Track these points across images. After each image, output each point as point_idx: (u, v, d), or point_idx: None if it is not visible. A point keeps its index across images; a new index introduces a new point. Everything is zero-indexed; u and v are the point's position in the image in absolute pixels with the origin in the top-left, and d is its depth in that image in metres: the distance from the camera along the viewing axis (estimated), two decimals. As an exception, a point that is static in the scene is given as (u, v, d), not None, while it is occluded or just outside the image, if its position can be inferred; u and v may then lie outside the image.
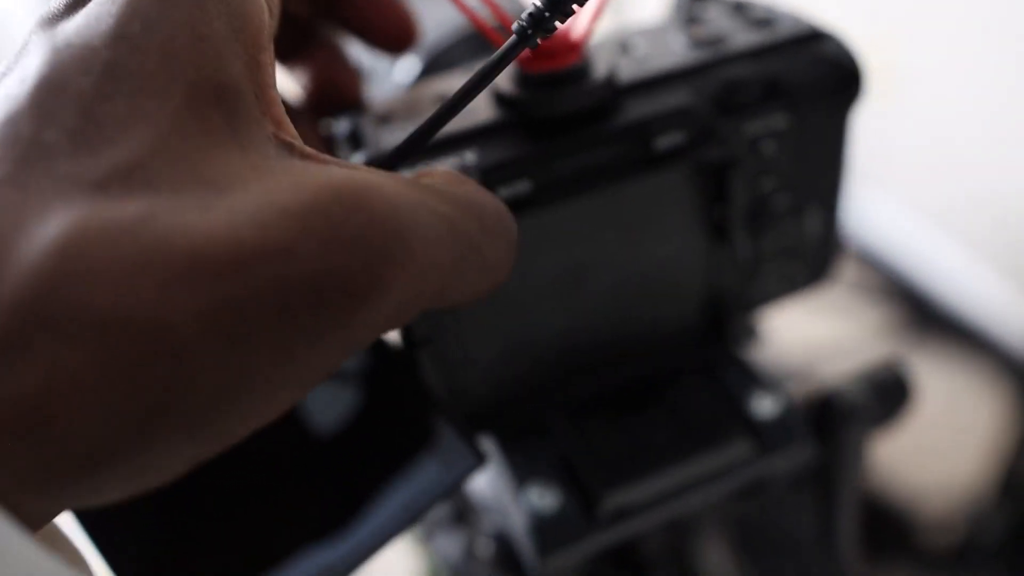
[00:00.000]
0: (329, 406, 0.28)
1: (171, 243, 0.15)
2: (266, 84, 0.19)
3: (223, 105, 0.18)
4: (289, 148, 0.19)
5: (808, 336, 1.81)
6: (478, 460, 0.27)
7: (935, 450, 1.61)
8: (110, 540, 0.25)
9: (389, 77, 0.38)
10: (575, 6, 0.21)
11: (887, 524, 1.47)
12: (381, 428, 0.28)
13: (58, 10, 0.19)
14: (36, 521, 0.16)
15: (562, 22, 0.22)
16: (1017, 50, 1.57)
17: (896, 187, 1.96)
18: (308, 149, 0.19)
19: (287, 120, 0.20)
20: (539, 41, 0.22)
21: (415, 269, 0.18)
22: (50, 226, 0.15)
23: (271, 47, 0.21)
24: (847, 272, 1.97)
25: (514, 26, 0.22)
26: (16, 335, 0.14)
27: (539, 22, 0.21)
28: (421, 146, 0.23)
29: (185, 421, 0.16)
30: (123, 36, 0.18)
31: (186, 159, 0.17)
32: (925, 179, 1.88)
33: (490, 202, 0.22)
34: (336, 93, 0.32)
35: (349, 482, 0.27)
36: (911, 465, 1.57)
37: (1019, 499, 1.35)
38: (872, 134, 1.92)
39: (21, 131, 0.16)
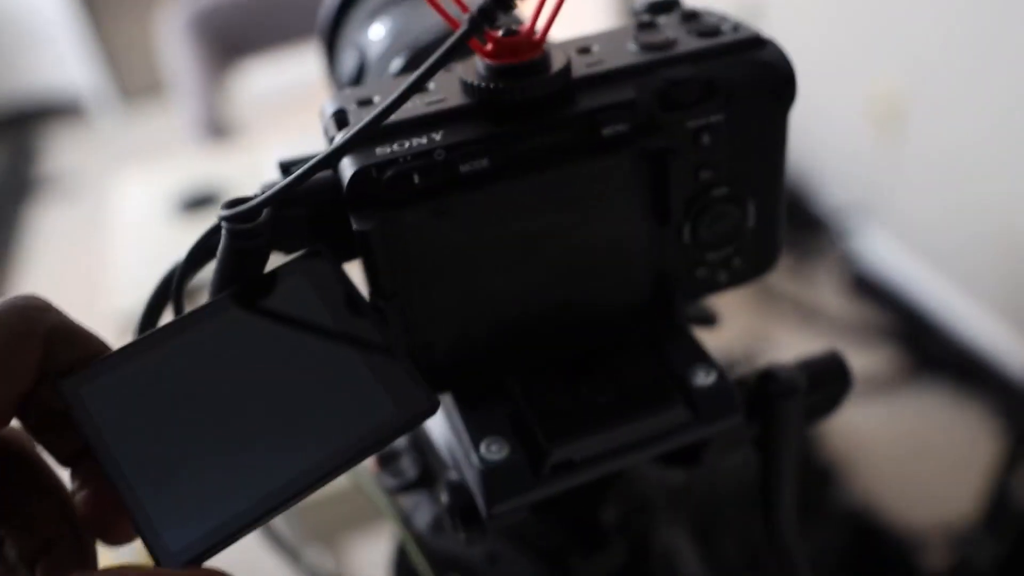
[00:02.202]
0: (305, 345, 0.31)
1: None
2: None
3: None
4: None
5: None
6: (432, 404, 0.30)
7: (931, 477, 1.63)
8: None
9: (385, 74, 0.42)
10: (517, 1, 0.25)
11: (882, 547, 1.49)
12: (347, 369, 0.31)
13: None
14: None
15: (505, 14, 0.25)
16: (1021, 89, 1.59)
17: (898, 225, 1.99)
18: None
19: None
20: (485, 32, 0.25)
21: None
22: None
23: None
24: (851, 308, 1.99)
25: (463, 18, 0.25)
26: None
27: (485, 14, 0.25)
28: (382, 120, 0.27)
29: None
30: None
31: None
32: (928, 218, 1.91)
33: None
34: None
35: (311, 412, 0.30)
36: (907, 491, 1.59)
37: (1009, 524, 1.37)
38: (875, 172, 1.95)
39: None
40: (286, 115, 3.15)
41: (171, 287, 0.34)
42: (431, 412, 0.30)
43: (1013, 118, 1.62)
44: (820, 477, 1.54)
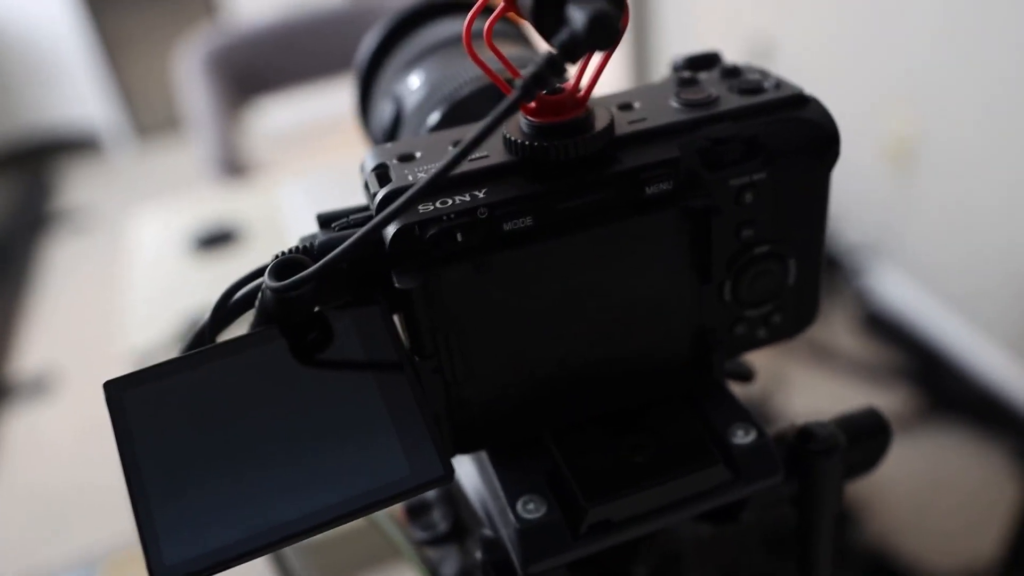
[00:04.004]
0: (339, 389, 0.31)
1: None
2: None
3: None
4: None
5: (836, 413, 1.83)
6: (446, 474, 0.30)
7: (949, 518, 1.61)
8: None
9: (423, 126, 0.42)
10: (569, 67, 0.25)
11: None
12: (373, 421, 0.31)
13: None
14: None
15: (557, 81, 0.25)
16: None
17: (913, 264, 1.99)
18: None
19: None
20: (537, 95, 0.25)
21: None
22: None
23: None
24: (866, 347, 1.98)
25: (515, 82, 0.25)
26: None
27: (537, 80, 0.25)
28: (437, 186, 0.27)
29: None
30: None
31: None
32: (943, 257, 1.90)
33: None
34: None
35: (329, 456, 0.30)
36: (925, 532, 1.57)
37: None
38: (890, 211, 1.95)
39: None
40: (302, 152, 3.18)
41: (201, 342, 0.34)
42: (444, 482, 0.30)
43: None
44: (837, 517, 1.52)
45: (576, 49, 0.24)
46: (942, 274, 1.92)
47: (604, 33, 0.24)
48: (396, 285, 0.31)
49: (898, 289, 2.05)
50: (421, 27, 0.49)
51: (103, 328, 1.59)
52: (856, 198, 2.10)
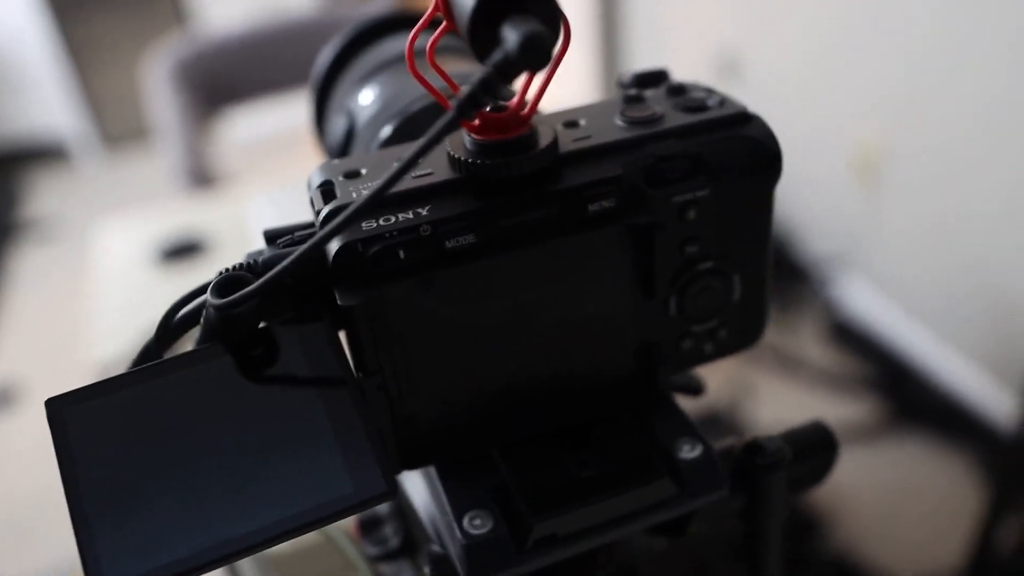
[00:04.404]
0: (282, 406, 0.31)
1: None
2: None
3: None
4: None
5: (803, 423, 1.84)
6: (388, 491, 0.30)
7: (914, 526, 1.62)
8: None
9: (374, 140, 0.42)
10: (505, 88, 0.25)
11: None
12: (316, 438, 0.31)
13: None
14: None
15: (495, 100, 0.25)
16: (1006, 136, 1.62)
17: (879, 275, 2.01)
18: None
19: None
20: (472, 114, 0.26)
21: None
22: None
23: None
24: (833, 357, 2.00)
25: (452, 102, 0.26)
26: None
27: (472, 101, 0.25)
28: (378, 203, 0.27)
29: None
30: None
31: None
32: (909, 268, 1.93)
33: None
34: None
35: (272, 473, 0.30)
36: (890, 540, 1.58)
37: (993, 575, 1.36)
38: (856, 222, 1.97)
39: None
40: (270, 162, 3.16)
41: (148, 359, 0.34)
42: (387, 498, 0.30)
43: (993, 169, 1.64)
44: (802, 526, 1.53)
45: (510, 69, 0.24)
46: (908, 285, 1.94)
47: (537, 54, 0.24)
48: (339, 302, 0.31)
49: (865, 300, 2.07)
50: (376, 42, 0.49)
51: (68, 339, 1.58)
52: (823, 210, 2.12)
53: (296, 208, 1.57)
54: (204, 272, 1.46)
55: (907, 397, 1.91)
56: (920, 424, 1.86)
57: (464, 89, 0.25)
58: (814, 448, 0.41)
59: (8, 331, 2.56)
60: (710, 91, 0.37)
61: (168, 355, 0.33)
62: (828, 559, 1.52)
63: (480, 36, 0.26)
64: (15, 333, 2.55)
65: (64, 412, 0.30)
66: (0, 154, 3.41)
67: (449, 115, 0.25)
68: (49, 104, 3.32)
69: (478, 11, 0.25)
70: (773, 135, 0.35)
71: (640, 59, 2.73)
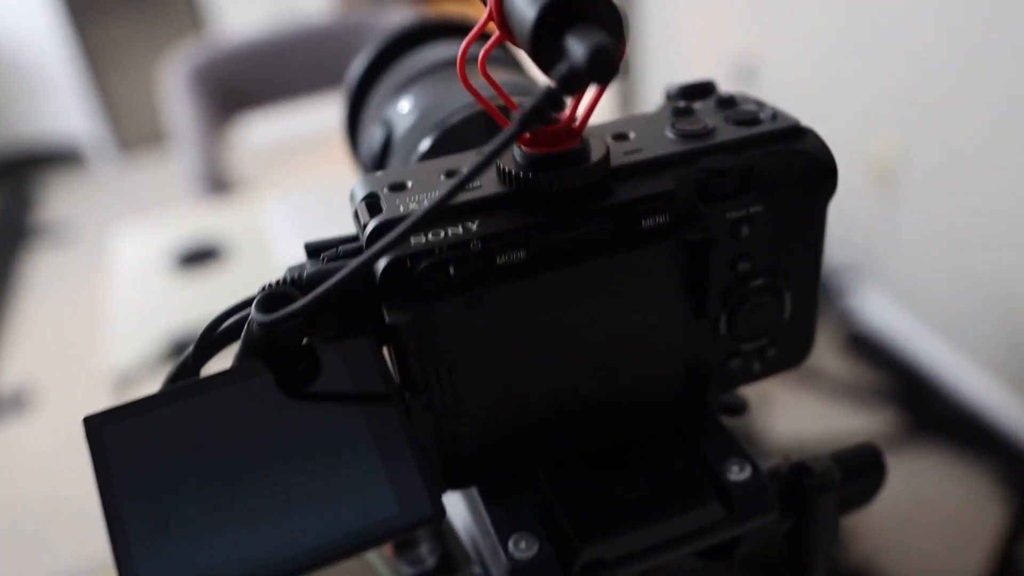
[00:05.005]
0: (326, 425, 0.30)
1: None
2: None
3: None
4: None
5: (820, 434, 1.82)
6: (436, 514, 0.29)
7: (933, 540, 1.61)
8: None
9: (413, 152, 0.41)
10: (568, 100, 0.24)
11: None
12: (362, 458, 0.30)
13: None
14: None
15: (557, 113, 0.25)
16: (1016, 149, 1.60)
17: (896, 285, 1.99)
18: None
19: None
20: (535, 127, 0.25)
21: None
22: None
23: None
24: (849, 368, 1.99)
25: (512, 115, 0.25)
26: None
27: (536, 114, 0.24)
28: (431, 219, 0.26)
29: None
30: None
31: None
32: (926, 279, 1.91)
33: None
34: None
35: (314, 495, 0.29)
36: (909, 554, 1.57)
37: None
38: (873, 232, 1.95)
39: None
40: (286, 168, 3.17)
41: (185, 374, 0.33)
42: (435, 522, 0.29)
43: (1009, 177, 1.63)
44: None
45: (576, 83, 0.24)
46: (925, 295, 1.93)
47: (604, 67, 0.23)
48: (388, 320, 0.30)
49: (882, 310, 2.05)
50: (412, 50, 0.48)
51: (83, 344, 1.57)
52: (840, 219, 2.10)
53: (313, 214, 1.56)
54: (221, 279, 1.46)
55: (925, 409, 1.90)
56: (938, 436, 1.84)
57: (527, 101, 0.24)
58: (862, 469, 0.40)
59: (23, 336, 2.56)
60: (761, 104, 0.36)
61: (207, 370, 0.32)
62: (846, 572, 1.51)
63: (543, 47, 0.25)
64: (30, 338, 2.55)
65: (103, 431, 0.29)
66: (16, 157, 3.42)
67: (512, 129, 0.24)
68: (65, 108, 3.33)
69: (541, 21, 0.24)
70: (828, 149, 0.34)
71: (656, 66, 2.72)
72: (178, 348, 1.34)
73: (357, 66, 0.49)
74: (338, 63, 2.27)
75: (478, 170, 0.25)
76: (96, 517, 0.29)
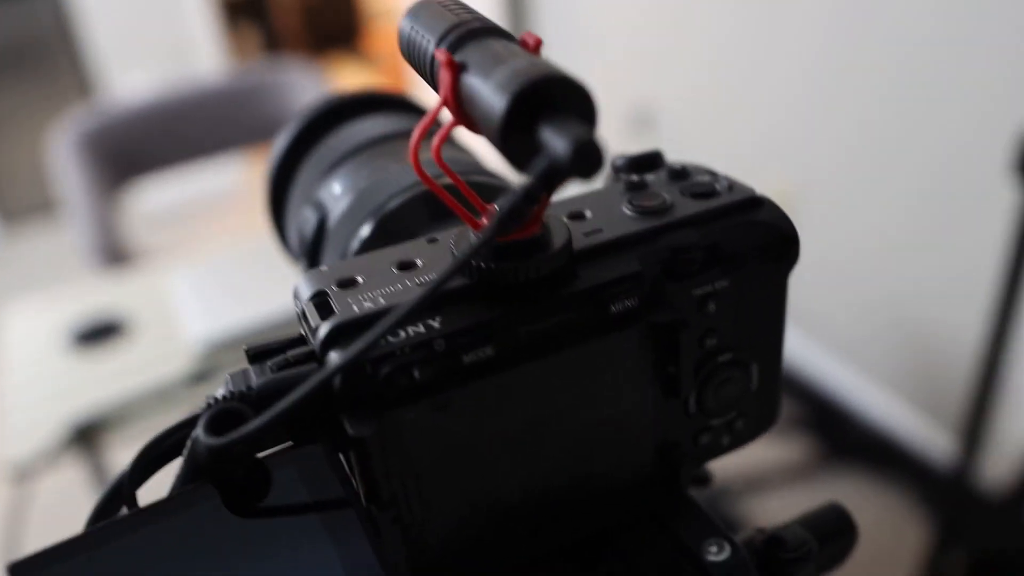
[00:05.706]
0: (286, 548, 0.28)
1: None
2: None
3: None
4: None
5: (737, 464, 1.83)
6: None
7: (851, 564, 1.63)
8: None
9: (353, 238, 0.38)
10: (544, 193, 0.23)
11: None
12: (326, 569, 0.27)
13: None
14: None
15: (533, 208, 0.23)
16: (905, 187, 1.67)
17: (802, 317, 2.05)
18: None
19: None
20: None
21: None
22: None
23: None
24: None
25: (489, 216, 0.23)
26: None
27: (515, 215, 0.23)
28: (406, 324, 0.24)
29: None
30: None
31: None
32: (831, 309, 1.97)
33: None
34: None
35: None
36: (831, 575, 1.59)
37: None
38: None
39: None
40: (185, 234, 3.07)
41: (119, 498, 0.30)
42: None
43: (903, 210, 1.69)
44: None
45: (557, 179, 0.22)
46: (830, 323, 1.98)
47: (589, 162, 0.21)
48: (350, 432, 0.27)
49: (789, 340, 2.10)
50: (337, 126, 0.46)
51: (-27, 434, 1.47)
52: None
53: (218, 285, 1.51)
54: (125, 355, 1.38)
55: (837, 434, 1.94)
56: (851, 460, 1.88)
57: (505, 201, 0.23)
58: (833, 533, 0.40)
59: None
60: (714, 174, 0.35)
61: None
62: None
63: (514, 141, 0.23)
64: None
65: None
66: None
67: (490, 231, 0.23)
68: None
69: (512, 113, 0.23)
70: (787, 218, 0.34)
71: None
72: (80, 434, 1.27)
73: (280, 144, 0.47)
74: (234, 124, 2.22)
75: (451, 273, 0.23)
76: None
